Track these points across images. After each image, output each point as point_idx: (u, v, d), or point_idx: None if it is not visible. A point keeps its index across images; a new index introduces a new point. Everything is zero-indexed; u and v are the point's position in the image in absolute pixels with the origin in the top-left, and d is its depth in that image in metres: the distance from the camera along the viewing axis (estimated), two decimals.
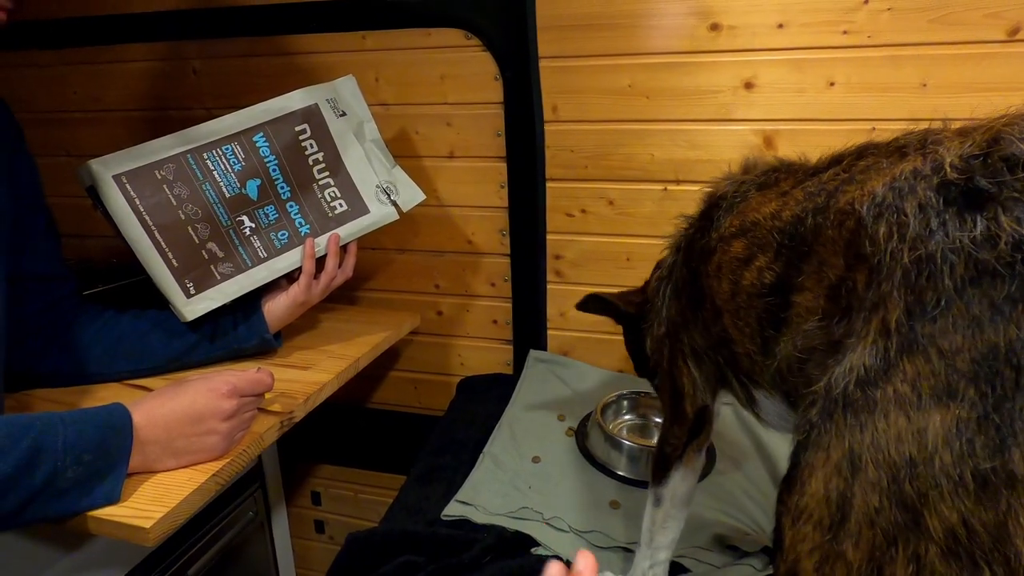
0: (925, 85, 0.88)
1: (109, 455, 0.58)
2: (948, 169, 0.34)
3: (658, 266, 0.73)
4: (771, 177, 0.54)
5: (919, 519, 0.31)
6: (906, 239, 0.34)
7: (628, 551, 0.73)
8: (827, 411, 0.35)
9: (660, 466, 0.65)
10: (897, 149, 0.42)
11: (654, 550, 0.66)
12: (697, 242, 0.58)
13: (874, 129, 0.91)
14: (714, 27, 0.93)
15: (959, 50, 0.86)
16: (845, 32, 0.88)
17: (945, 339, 0.31)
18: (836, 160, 0.48)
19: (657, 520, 0.66)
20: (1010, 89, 0.85)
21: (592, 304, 0.78)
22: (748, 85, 0.94)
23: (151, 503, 0.59)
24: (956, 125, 0.40)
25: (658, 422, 0.99)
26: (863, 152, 0.46)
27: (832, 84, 0.91)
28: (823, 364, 0.38)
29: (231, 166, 0.82)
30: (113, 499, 0.58)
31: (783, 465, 0.94)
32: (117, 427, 0.59)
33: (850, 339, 0.36)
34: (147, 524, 0.57)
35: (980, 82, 0.86)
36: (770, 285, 0.46)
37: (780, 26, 0.90)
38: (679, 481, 0.64)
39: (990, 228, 0.31)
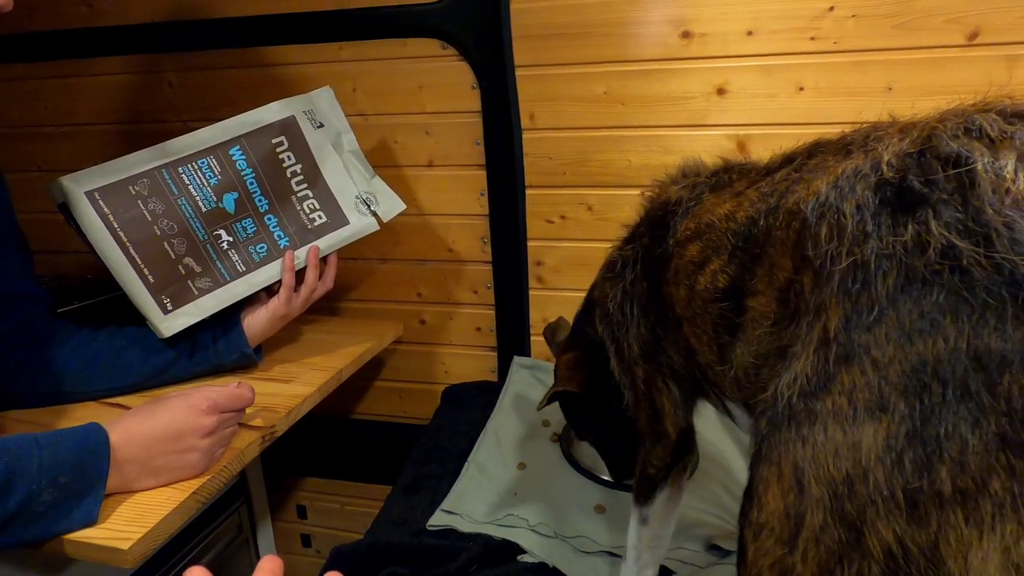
0: (890, 89, 0.90)
1: (86, 476, 0.57)
2: (885, 168, 0.33)
3: (593, 303, 0.68)
4: (724, 178, 0.53)
5: (860, 538, 0.30)
6: (844, 242, 0.33)
7: (614, 556, 0.73)
8: (774, 423, 0.34)
9: (645, 488, 0.63)
10: (844, 147, 0.41)
11: (641, 567, 0.65)
12: (654, 251, 0.57)
13: (843, 134, 0.94)
14: (686, 35, 0.94)
15: (922, 55, 0.88)
16: (812, 38, 0.91)
17: (879, 349, 0.30)
18: (788, 159, 0.47)
19: (644, 539, 0.64)
20: (970, 91, 0.87)
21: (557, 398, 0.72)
22: (720, 91, 0.96)
23: (129, 524, 0.58)
24: (904, 120, 0.39)
25: None
26: (813, 150, 0.45)
27: (801, 89, 0.93)
28: (775, 370, 0.37)
29: (207, 180, 0.81)
30: (91, 521, 0.57)
31: None
32: (94, 447, 0.58)
33: (796, 346, 0.35)
34: (125, 546, 0.56)
35: (942, 85, 0.89)
36: (724, 289, 0.45)
37: (750, 33, 0.92)
38: (665, 501, 0.63)
39: (920, 233, 0.30)
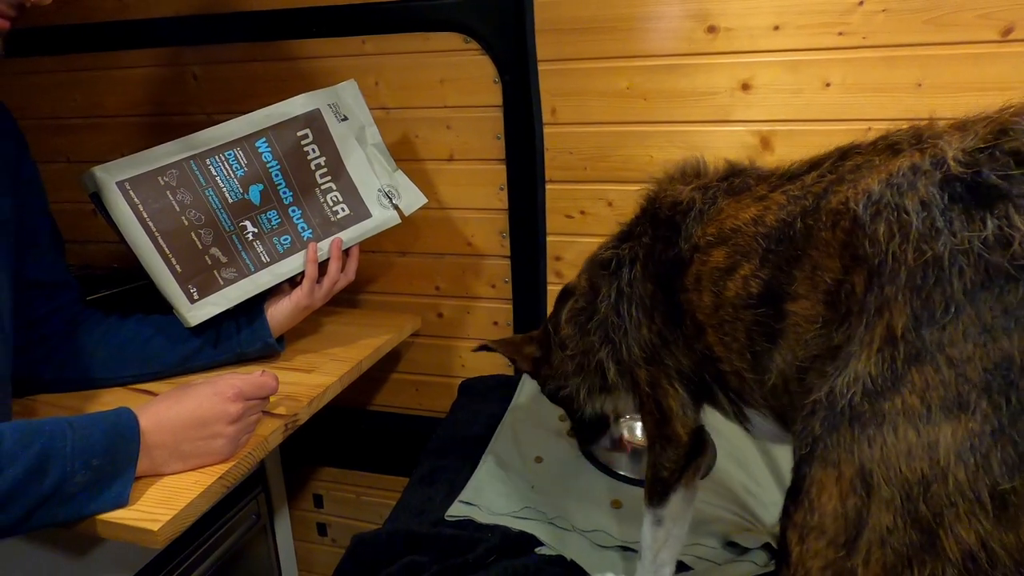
0: (920, 85, 0.89)
1: (117, 459, 0.59)
2: (952, 163, 0.32)
3: (569, 292, 0.70)
4: (740, 182, 0.51)
5: (935, 540, 0.29)
6: (910, 239, 0.32)
7: (630, 550, 0.74)
8: (832, 423, 0.33)
9: (658, 490, 0.62)
10: (888, 146, 0.40)
11: (658, 566, 0.65)
12: (661, 253, 0.55)
13: (870, 129, 0.92)
14: (711, 29, 0.93)
15: (953, 50, 0.87)
16: (840, 33, 0.89)
17: (955, 348, 0.30)
18: (815, 164, 0.46)
19: (659, 539, 0.64)
20: (1004, 88, 0.86)
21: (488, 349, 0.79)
22: (745, 86, 0.95)
23: (158, 506, 0.60)
24: (943, 122, 0.38)
25: None
26: (846, 153, 0.44)
27: (828, 85, 0.92)
28: (823, 371, 0.37)
29: (234, 171, 0.82)
30: (121, 503, 0.59)
31: (782, 461, 0.93)
32: (124, 432, 0.60)
33: (852, 345, 0.34)
34: (155, 527, 0.57)
35: (974, 81, 0.87)
36: (757, 295, 0.44)
37: (776, 28, 0.91)
38: (679, 502, 0.62)
39: (1002, 228, 0.30)
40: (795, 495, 0.36)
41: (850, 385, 0.33)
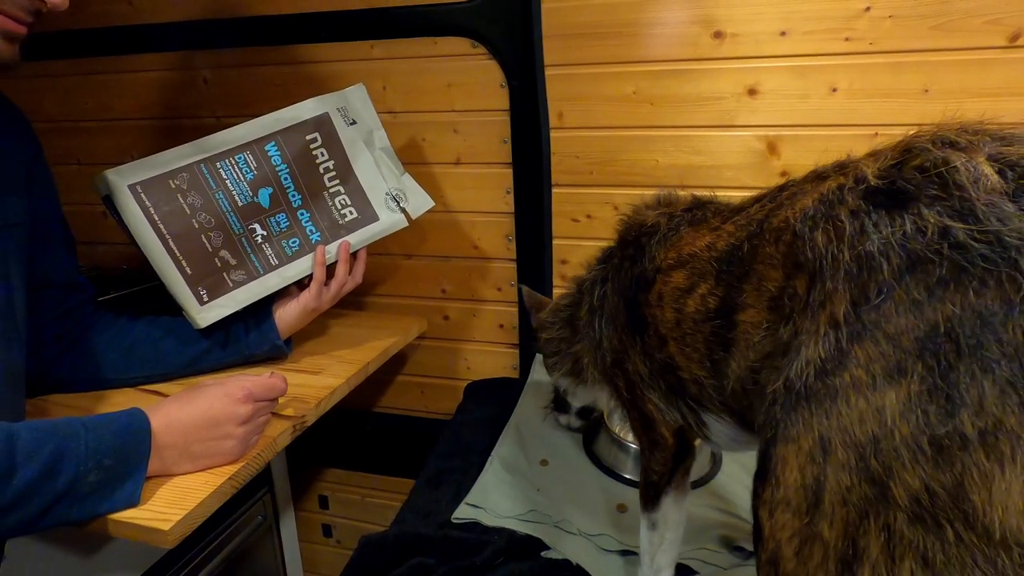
0: (927, 91, 0.89)
1: (129, 459, 0.59)
2: (872, 179, 0.38)
3: (574, 281, 0.78)
4: (699, 214, 0.58)
5: (886, 491, 0.33)
6: (845, 241, 0.37)
7: (635, 555, 0.74)
8: (790, 405, 0.37)
9: (650, 494, 0.65)
10: (817, 176, 0.46)
11: (656, 571, 0.67)
12: (627, 271, 0.61)
13: (876, 134, 0.92)
14: (717, 35, 0.94)
15: (960, 56, 0.87)
16: (847, 39, 0.90)
17: (890, 323, 0.34)
18: (758, 199, 0.52)
19: (655, 543, 0.66)
20: (1011, 94, 0.86)
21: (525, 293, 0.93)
22: (751, 92, 0.95)
23: (169, 506, 0.60)
24: (860, 155, 0.44)
25: None
26: (784, 187, 0.50)
27: (834, 90, 0.92)
28: (776, 367, 0.41)
29: (244, 175, 0.83)
30: (133, 502, 0.59)
31: None
32: (136, 432, 0.61)
33: (800, 337, 0.38)
34: (166, 526, 0.58)
35: (981, 87, 0.87)
36: (715, 309, 0.49)
37: (783, 34, 0.92)
38: (671, 505, 0.65)
39: (916, 222, 0.35)
40: (763, 475, 0.39)
41: (803, 369, 0.37)
